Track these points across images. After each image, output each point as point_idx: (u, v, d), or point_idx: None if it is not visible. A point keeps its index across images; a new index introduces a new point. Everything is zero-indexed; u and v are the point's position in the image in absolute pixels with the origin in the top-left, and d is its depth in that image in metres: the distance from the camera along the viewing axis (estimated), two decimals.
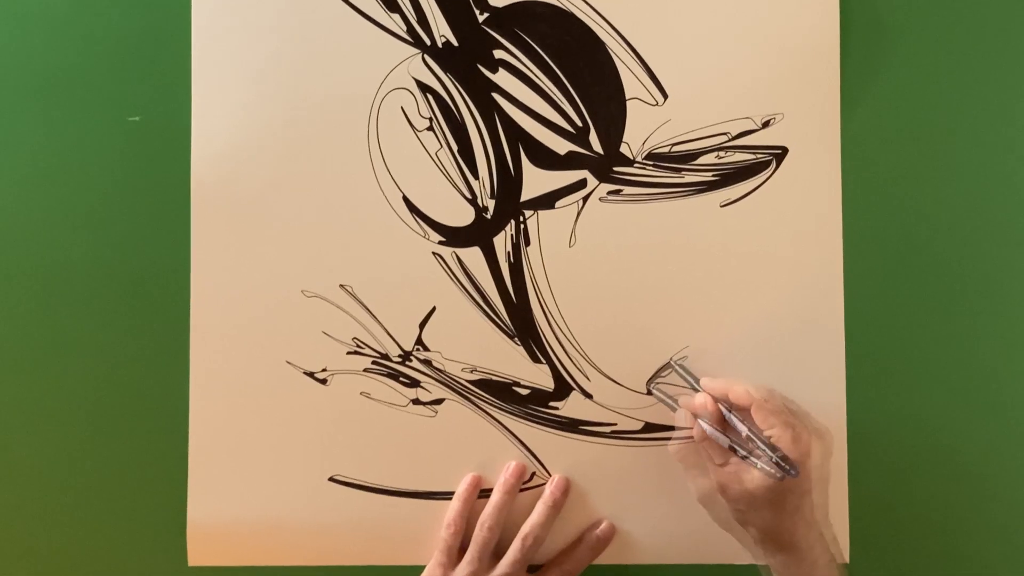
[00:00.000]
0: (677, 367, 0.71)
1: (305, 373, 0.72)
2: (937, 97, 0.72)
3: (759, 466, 0.61)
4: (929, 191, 0.72)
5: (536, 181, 0.72)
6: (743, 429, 0.64)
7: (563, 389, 0.73)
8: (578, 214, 0.72)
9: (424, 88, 0.72)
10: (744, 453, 0.63)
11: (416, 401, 0.73)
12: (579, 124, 0.72)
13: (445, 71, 0.72)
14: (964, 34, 0.72)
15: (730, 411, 0.66)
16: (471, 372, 0.73)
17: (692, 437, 0.67)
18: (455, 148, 0.72)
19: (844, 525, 0.70)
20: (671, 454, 0.69)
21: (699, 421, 0.66)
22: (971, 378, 0.72)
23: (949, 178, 0.72)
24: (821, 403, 0.71)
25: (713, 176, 0.72)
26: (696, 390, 0.69)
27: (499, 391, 0.73)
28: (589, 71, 0.72)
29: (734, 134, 0.72)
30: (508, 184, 0.72)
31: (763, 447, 0.62)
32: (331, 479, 0.72)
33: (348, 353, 0.72)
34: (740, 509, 0.64)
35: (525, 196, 0.72)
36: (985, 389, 0.72)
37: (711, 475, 0.66)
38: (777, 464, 0.61)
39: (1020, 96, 0.72)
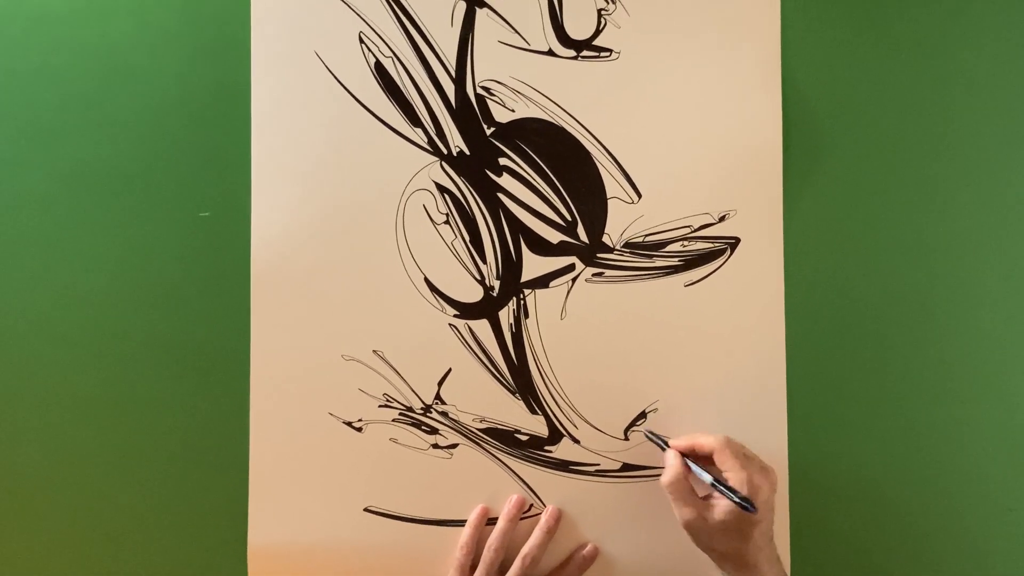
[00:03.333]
0: (647, 434, 0.75)
1: (344, 422, 0.76)
2: (862, 195, 0.77)
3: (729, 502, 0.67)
4: (856, 273, 0.77)
5: (534, 265, 0.76)
6: (708, 478, 0.69)
7: (556, 436, 0.76)
8: (568, 292, 0.76)
9: (442, 189, 0.76)
10: (721, 490, 0.67)
11: (435, 446, 0.76)
12: (569, 218, 0.76)
13: (459, 175, 0.76)
14: (888, 144, 0.77)
15: (695, 464, 0.70)
16: (480, 422, 0.76)
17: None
18: (467, 238, 0.76)
19: (786, 547, 0.75)
20: (663, 486, 0.70)
21: (687, 462, 0.70)
22: (892, 424, 0.77)
23: (874, 261, 0.77)
24: (766, 447, 0.74)
25: (679, 261, 0.76)
26: (664, 449, 0.73)
27: (503, 437, 0.76)
28: (577, 175, 0.76)
29: (696, 227, 0.76)
30: (511, 268, 0.76)
31: (726, 491, 0.67)
32: (366, 510, 0.76)
33: (380, 406, 0.76)
34: (702, 539, 0.69)
35: (525, 277, 0.76)
36: (904, 432, 0.77)
37: (678, 512, 0.69)
38: (739, 504, 0.66)
39: (936, 193, 0.77)
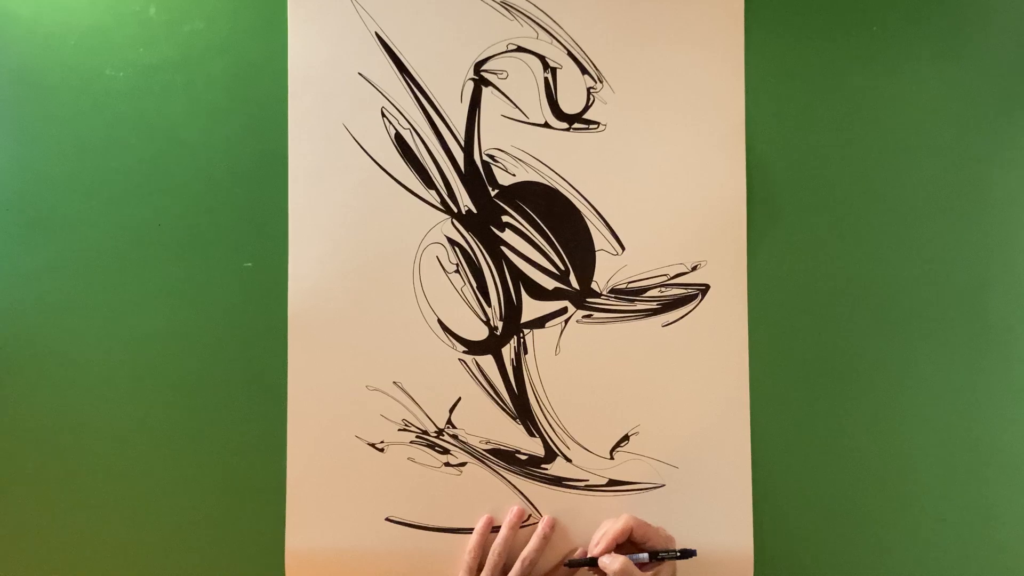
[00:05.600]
0: (569, 563, 0.75)
1: (368, 444, 0.79)
2: (814, 248, 0.81)
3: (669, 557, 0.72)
4: (810, 314, 0.81)
5: (532, 308, 0.80)
6: (646, 556, 0.72)
7: (551, 455, 0.80)
8: (561, 332, 0.80)
9: (452, 243, 0.80)
10: (663, 556, 0.72)
11: (447, 464, 0.80)
12: (562, 268, 0.80)
13: (467, 231, 0.80)
14: (838, 203, 0.81)
15: (628, 554, 0.72)
16: (485, 443, 0.80)
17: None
18: (474, 285, 0.80)
19: (750, 556, 0.79)
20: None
21: (622, 557, 0.71)
22: (841, 446, 0.80)
23: (825, 305, 0.81)
24: (731, 463, 0.78)
25: (657, 305, 0.80)
26: (595, 563, 0.73)
27: (505, 457, 0.80)
28: (569, 230, 0.80)
29: (671, 275, 0.80)
30: (512, 310, 0.80)
31: (667, 555, 0.72)
32: (387, 519, 0.79)
33: (399, 430, 0.79)
34: None
35: (524, 319, 0.80)
36: (851, 452, 0.80)
37: None
38: (681, 556, 0.72)
39: (880, 245, 0.81)
